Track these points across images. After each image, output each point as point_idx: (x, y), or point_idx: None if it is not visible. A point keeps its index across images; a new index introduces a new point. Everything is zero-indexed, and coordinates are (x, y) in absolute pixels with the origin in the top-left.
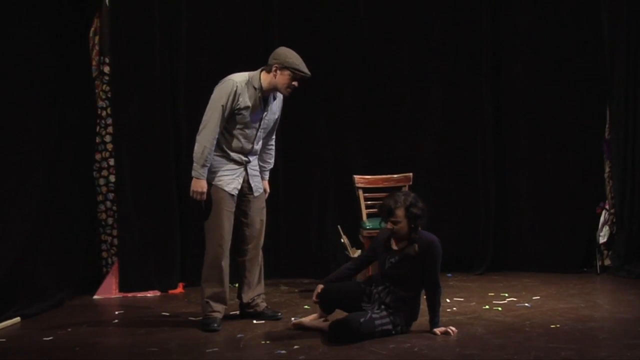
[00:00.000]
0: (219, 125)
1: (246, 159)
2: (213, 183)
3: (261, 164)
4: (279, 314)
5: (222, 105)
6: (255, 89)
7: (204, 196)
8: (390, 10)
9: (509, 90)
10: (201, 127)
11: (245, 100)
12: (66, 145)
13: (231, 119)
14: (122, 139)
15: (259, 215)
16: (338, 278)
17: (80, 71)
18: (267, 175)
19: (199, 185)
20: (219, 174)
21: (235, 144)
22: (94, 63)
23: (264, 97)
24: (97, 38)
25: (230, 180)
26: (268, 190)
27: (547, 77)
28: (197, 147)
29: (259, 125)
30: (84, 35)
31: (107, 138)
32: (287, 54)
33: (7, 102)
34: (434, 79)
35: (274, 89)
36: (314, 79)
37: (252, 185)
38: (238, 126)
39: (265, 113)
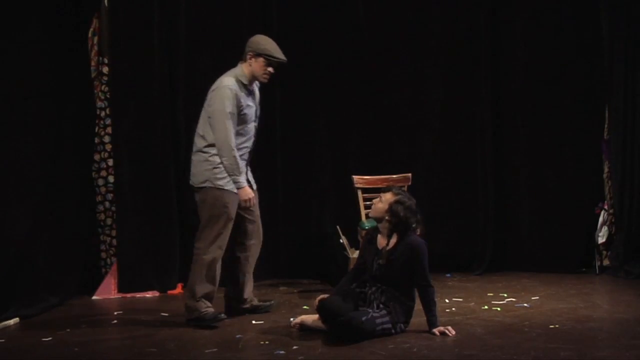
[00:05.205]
0: (234, 131)
1: (249, 155)
2: (226, 188)
3: None
4: (268, 302)
5: (230, 112)
6: (245, 85)
7: (253, 200)
8: (390, 10)
9: (508, 90)
10: (219, 142)
11: (245, 100)
12: (65, 145)
13: (236, 121)
14: (121, 139)
15: (257, 209)
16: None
17: (79, 72)
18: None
19: (245, 193)
20: (228, 178)
21: (240, 142)
22: (93, 63)
23: (249, 89)
24: (96, 38)
25: None
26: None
27: (546, 77)
28: (227, 161)
29: (255, 118)
30: (83, 35)
31: (106, 139)
32: (260, 41)
33: (6, 102)
34: (433, 80)
35: (254, 78)
36: (314, 79)
37: (250, 179)
38: (240, 125)
39: (256, 104)
